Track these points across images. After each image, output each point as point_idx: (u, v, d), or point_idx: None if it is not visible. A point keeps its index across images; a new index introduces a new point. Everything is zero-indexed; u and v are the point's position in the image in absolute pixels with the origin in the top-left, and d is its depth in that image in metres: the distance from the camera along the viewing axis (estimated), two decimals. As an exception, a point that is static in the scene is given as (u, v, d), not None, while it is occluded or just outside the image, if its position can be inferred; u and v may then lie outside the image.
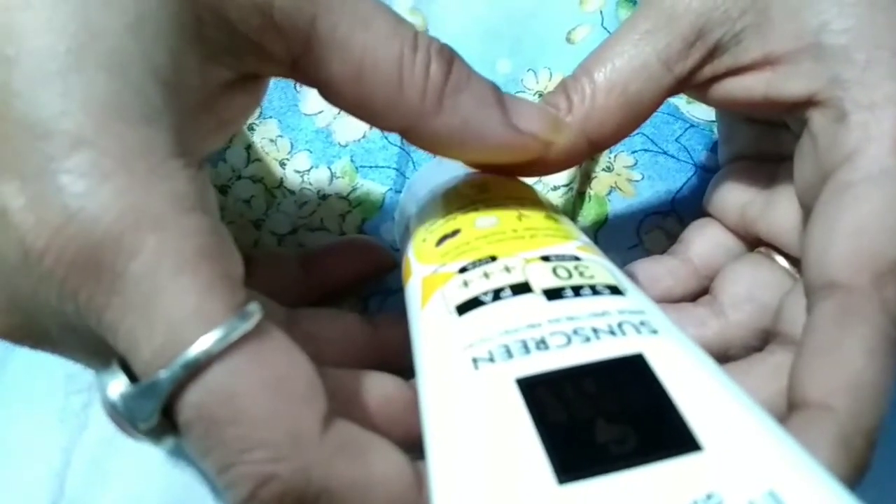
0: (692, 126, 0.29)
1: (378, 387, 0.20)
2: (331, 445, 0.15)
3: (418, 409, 0.16)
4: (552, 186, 0.27)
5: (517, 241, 0.19)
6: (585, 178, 0.28)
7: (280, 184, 0.28)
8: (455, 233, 0.20)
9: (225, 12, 0.16)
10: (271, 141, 0.29)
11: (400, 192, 0.28)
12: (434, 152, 0.21)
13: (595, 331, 0.15)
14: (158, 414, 0.14)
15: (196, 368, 0.14)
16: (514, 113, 0.19)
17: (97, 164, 0.14)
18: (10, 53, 0.14)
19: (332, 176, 0.28)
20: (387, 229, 0.28)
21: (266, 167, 0.28)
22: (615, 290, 0.17)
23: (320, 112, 0.29)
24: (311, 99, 0.29)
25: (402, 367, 0.20)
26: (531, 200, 0.22)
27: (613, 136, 0.22)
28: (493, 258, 0.18)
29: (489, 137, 0.19)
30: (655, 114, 0.22)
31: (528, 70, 0.30)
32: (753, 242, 0.24)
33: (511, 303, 0.16)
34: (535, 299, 0.16)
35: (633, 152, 0.28)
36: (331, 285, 0.25)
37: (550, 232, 0.19)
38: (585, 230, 0.27)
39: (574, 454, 0.13)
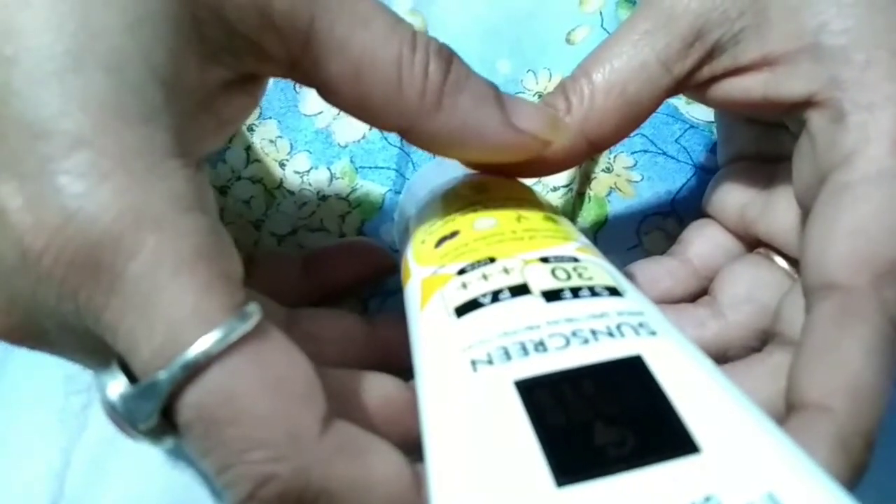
0: (692, 127, 0.29)
1: (377, 387, 0.20)
2: (330, 446, 0.15)
3: (417, 410, 0.16)
4: (552, 187, 0.27)
5: (516, 242, 0.19)
6: (585, 179, 0.28)
7: (280, 184, 0.28)
8: (454, 234, 0.20)
9: (224, 12, 0.16)
10: (271, 142, 0.29)
11: (399, 192, 0.28)
12: (433, 152, 0.21)
13: (594, 332, 0.15)
14: (158, 414, 0.15)
15: (195, 369, 0.14)
16: (513, 112, 0.19)
17: (96, 165, 0.14)
18: (9, 53, 0.14)
19: (332, 177, 0.28)
20: (386, 230, 0.28)
21: (266, 168, 0.28)
22: (614, 292, 0.17)
23: (320, 113, 0.29)
24: (310, 100, 0.29)
25: (402, 368, 0.20)
26: (530, 201, 0.22)
27: (612, 137, 0.22)
28: (492, 260, 0.18)
29: (488, 137, 0.19)
30: (655, 115, 0.22)
31: (527, 71, 0.30)
32: (753, 243, 0.24)
33: (510, 304, 0.16)
34: (534, 301, 0.16)
35: (633, 153, 0.28)
36: (331, 287, 0.25)
37: (549, 233, 0.19)
38: (585, 231, 0.27)
39: (572, 456, 0.13)
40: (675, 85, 0.21)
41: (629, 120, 0.21)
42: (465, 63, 0.19)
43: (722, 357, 0.23)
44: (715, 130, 0.28)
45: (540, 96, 0.29)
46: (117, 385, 0.15)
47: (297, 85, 0.29)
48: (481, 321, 0.16)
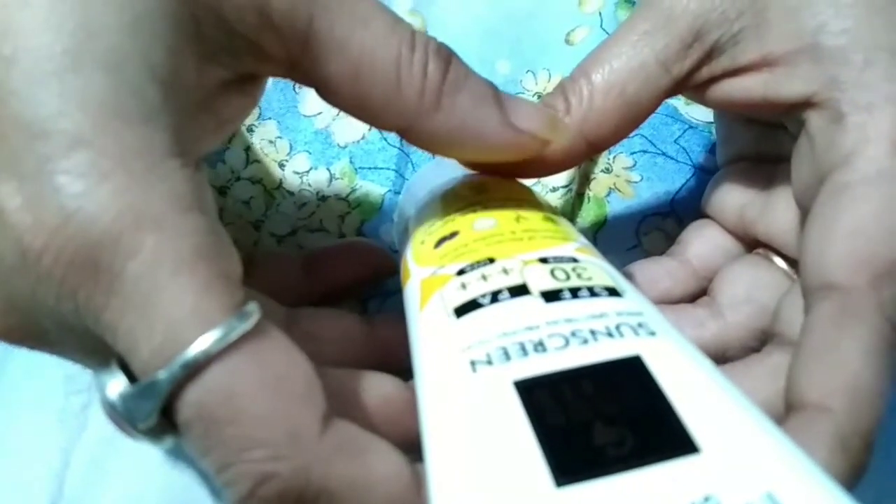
0: (691, 127, 0.29)
1: (377, 387, 0.20)
2: (330, 445, 0.15)
3: (417, 410, 0.16)
4: (551, 188, 0.28)
5: (515, 242, 0.19)
6: (584, 180, 0.28)
7: (279, 185, 0.28)
8: (453, 234, 0.20)
9: (222, 12, 0.16)
10: (270, 142, 0.29)
11: (399, 193, 0.28)
12: (432, 151, 0.21)
13: (593, 332, 0.15)
14: (157, 414, 0.15)
15: (195, 368, 0.14)
16: (511, 112, 0.19)
17: (95, 164, 0.14)
18: (7, 52, 0.14)
19: (332, 177, 0.28)
20: (386, 230, 0.28)
21: (265, 168, 0.28)
22: (613, 292, 0.17)
23: (319, 113, 0.29)
24: (310, 100, 0.29)
25: (401, 368, 0.20)
26: (529, 202, 0.22)
27: (612, 138, 0.22)
28: (492, 260, 0.18)
29: (487, 136, 0.19)
30: (654, 115, 0.22)
31: (527, 71, 0.30)
32: (752, 244, 0.25)
33: (509, 305, 0.16)
34: (533, 301, 0.16)
35: (632, 153, 0.28)
36: (331, 287, 0.25)
37: (549, 233, 0.19)
38: (584, 231, 0.27)
39: (572, 456, 0.13)
40: (675, 85, 0.21)
41: (628, 120, 0.21)
42: (464, 63, 0.19)
43: (721, 357, 0.23)
44: (714, 131, 0.28)
45: (539, 97, 0.29)
46: (117, 385, 0.15)
47: (297, 85, 0.29)
48: (481, 321, 0.16)
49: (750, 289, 0.23)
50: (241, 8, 0.16)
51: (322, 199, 0.28)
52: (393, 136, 0.29)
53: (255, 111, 0.29)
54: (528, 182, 0.24)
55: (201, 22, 0.16)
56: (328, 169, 0.28)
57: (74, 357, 0.17)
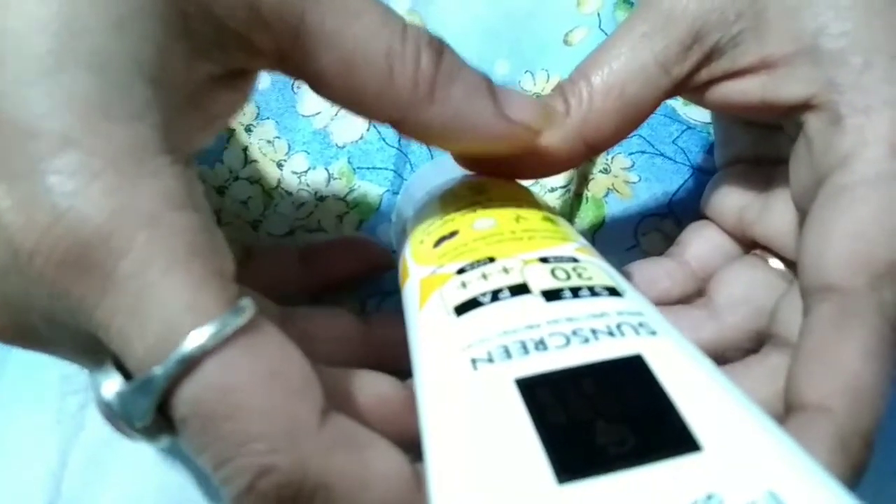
0: (689, 128, 0.29)
1: (372, 386, 0.20)
2: (328, 438, 0.15)
3: (413, 409, 0.15)
4: (549, 188, 0.28)
5: (515, 242, 0.19)
6: (583, 180, 0.28)
7: (277, 185, 0.28)
8: (453, 234, 0.20)
9: (212, 7, 0.16)
10: (269, 142, 0.29)
11: (397, 193, 0.28)
12: (426, 143, 0.21)
13: (594, 331, 0.15)
14: (154, 411, 0.14)
15: (190, 363, 0.14)
16: (505, 103, 0.19)
17: (85, 164, 0.14)
18: None
19: (330, 177, 0.28)
20: (384, 231, 0.28)
21: (263, 168, 0.28)
22: (613, 292, 0.17)
23: (318, 113, 0.29)
24: (308, 100, 0.29)
25: (398, 367, 0.20)
26: (528, 202, 0.22)
27: (611, 139, 0.22)
28: (492, 259, 0.18)
29: (481, 127, 0.19)
30: (652, 116, 0.22)
31: (525, 72, 0.30)
32: (750, 245, 0.25)
33: (509, 304, 0.16)
34: (534, 300, 0.16)
35: (630, 154, 0.28)
36: (328, 280, 0.25)
37: (548, 233, 0.19)
38: (583, 232, 0.27)
39: (573, 454, 0.12)
40: (674, 87, 0.21)
41: (627, 122, 0.21)
42: (456, 54, 0.19)
43: (719, 358, 0.23)
44: (712, 131, 0.28)
45: (538, 97, 0.29)
46: (112, 384, 0.15)
47: (296, 85, 0.29)
48: (481, 320, 0.16)
49: (747, 290, 0.23)
50: (232, 3, 0.16)
51: (320, 199, 0.28)
52: (391, 137, 0.28)
53: (254, 111, 0.29)
54: (526, 183, 0.24)
55: (190, 18, 0.16)
56: (326, 169, 0.28)
57: (68, 356, 0.17)
